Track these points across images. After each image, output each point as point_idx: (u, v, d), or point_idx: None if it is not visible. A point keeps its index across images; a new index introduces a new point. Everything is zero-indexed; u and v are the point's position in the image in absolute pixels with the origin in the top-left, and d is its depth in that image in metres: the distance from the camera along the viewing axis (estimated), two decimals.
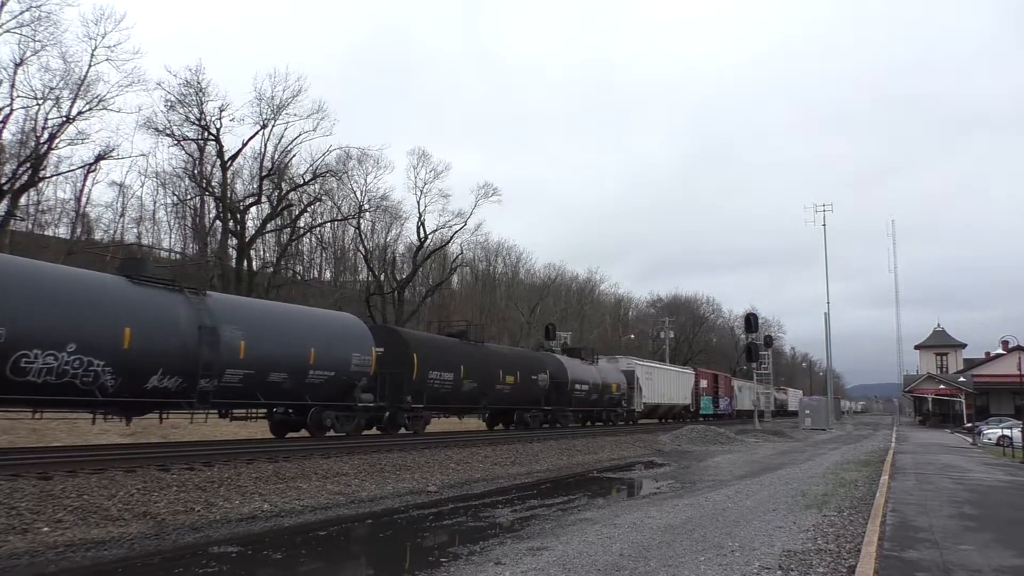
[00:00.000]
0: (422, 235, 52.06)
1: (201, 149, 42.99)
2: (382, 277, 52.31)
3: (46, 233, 42.10)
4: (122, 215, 47.97)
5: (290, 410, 18.70)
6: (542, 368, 30.28)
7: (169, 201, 49.87)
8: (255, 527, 10.05)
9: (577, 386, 32.69)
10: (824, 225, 57.79)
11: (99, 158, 36.78)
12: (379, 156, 49.93)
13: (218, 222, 45.10)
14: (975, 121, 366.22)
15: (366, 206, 50.57)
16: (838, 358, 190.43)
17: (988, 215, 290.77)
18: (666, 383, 47.31)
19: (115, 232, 47.13)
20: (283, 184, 45.32)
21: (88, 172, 40.26)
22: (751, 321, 57.65)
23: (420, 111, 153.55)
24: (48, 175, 37.15)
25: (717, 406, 57.61)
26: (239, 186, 46.48)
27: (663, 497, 14.01)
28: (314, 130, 43.92)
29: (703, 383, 54.87)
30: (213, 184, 43.54)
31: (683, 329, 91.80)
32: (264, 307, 19.09)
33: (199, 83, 40.10)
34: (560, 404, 31.67)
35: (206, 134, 41.55)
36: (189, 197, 47.73)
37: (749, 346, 54.37)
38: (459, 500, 13.41)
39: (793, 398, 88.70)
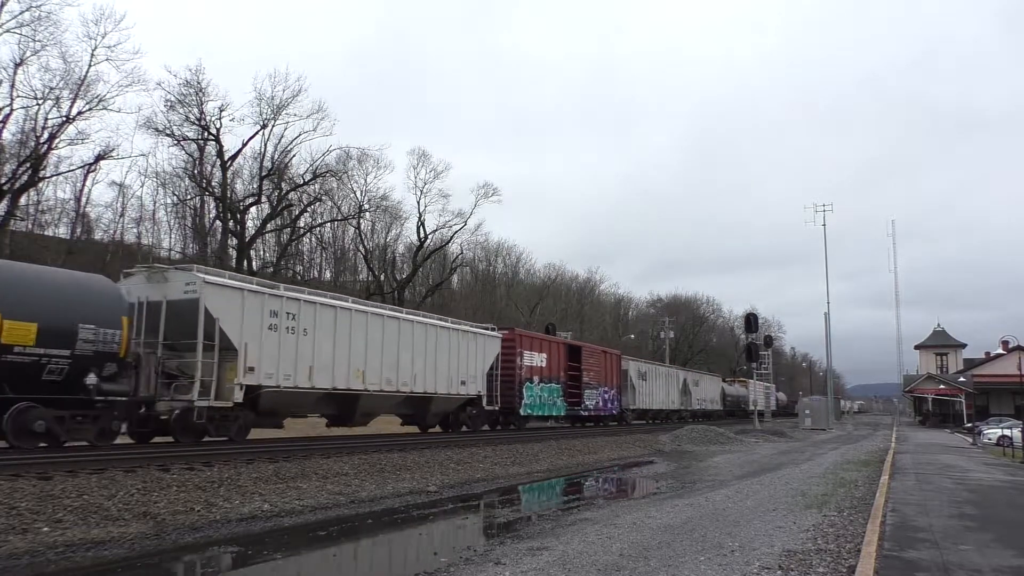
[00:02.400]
0: (422, 235, 52.18)
1: (201, 149, 43.03)
2: (382, 277, 52.37)
3: (46, 233, 42.09)
4: (122, 215, 47.89)
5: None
6: None
7: (169, 201, 49.81)
8: (255, 527, 10.05)
9: None
10: (824, 225, 57.68)
11: (99, 158, 36.84)
12: (379, 156, 50.11)
13: (218, 222, 45.15)
14: (975, 121, 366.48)
15: (366, 206, 50.72)
16: (838, 358, 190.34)
17: (988, 215, 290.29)
18: (377, 344, 20.38)
19: (115, 232, 47.08)
20: (283, 184, 45.38)
21: (88, 172, 40.28)
22: (751, 321, 57.75)
23: (420, 111, 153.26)
24: (48, 175, 37.20)
25: (579, 402, 32.64)
26: (239, 186, 46.57)
27: (663, 497, 14.00)
28: (314, 130, 44.07)
29: (534, 359, 29.17)
30: (213, 184, 43.59)
31: (683, 329, 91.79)
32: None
33: (199, 83, 40.23)
34: None
35: (206, 134, 41.61)
36: (189, 197, 47.72)
37: (749, 346, 54.45)
38: (459, 500, 13.41)
39: (760, 393, 62.28)
